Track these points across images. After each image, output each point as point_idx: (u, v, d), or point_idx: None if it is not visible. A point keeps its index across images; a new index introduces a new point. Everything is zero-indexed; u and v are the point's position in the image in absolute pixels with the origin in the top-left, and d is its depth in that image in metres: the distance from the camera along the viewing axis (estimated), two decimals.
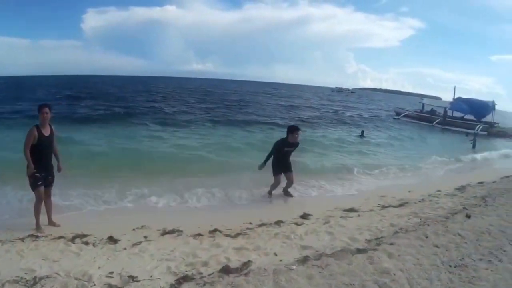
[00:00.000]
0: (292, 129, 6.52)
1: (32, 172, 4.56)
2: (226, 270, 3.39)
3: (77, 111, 20.34)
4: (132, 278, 3.32)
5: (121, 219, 5.33)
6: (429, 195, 6.81)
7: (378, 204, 6.21)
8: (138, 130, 15.03)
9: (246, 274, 3.28)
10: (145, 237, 4.54)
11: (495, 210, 5.33)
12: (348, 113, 32.20)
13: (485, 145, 16.89)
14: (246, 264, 3.55)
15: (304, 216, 5.50)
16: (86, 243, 4.34)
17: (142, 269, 3.52)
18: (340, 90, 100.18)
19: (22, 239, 4.40)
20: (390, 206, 6.06)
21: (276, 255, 3.84)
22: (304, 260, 3.58)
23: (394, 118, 29.43)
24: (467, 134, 18.52)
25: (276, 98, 47.79)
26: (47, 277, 3.37)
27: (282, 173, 6.72)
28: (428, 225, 4.64)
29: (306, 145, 11.18)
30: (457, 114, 26.20)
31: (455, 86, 30.34)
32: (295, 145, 6.62)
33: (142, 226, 4.94)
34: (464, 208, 5.51)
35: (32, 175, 4.59)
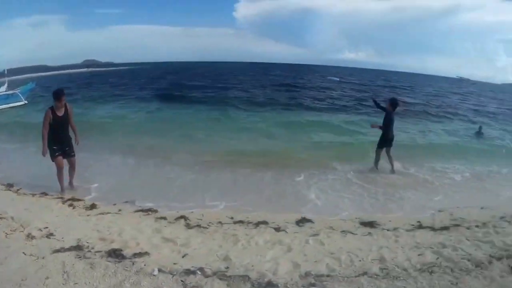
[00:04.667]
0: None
1: (45, 148, 5.37)
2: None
3: None
4: (50, 235, 3.71)
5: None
6: (502, 217, 4.83)
7: (417, 222, 4.67)
8: None
9: None
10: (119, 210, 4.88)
11: None
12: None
13: None
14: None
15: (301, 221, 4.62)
16: (70, 205, 5.00)
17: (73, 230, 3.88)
18: (460, 80, 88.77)
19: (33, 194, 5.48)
20: (429, 227, 4.47)
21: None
22: None
23: None
24: None
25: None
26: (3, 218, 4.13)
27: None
28: (432, 272, 3.09)
29: None
30: None
31: None
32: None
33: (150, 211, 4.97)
34: None
35: (49, 149, 5.40)
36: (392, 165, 7.11)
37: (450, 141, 11.76)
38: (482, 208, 5.42)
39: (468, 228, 4.37)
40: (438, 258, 3.41)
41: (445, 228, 4.38)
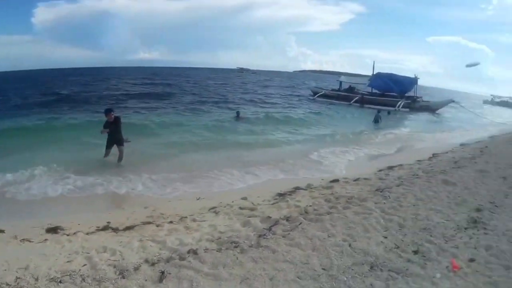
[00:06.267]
0: None
1: None
2: None
3: None
4: None
5: None
6: (213, 208, 5.31)
7: (107, 223, 4.79)
8: None
9: None
10: None
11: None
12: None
13: (399, 122, 18.36)
14: None
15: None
16: None
17: None
18: (241, 71, 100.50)
19: None
20: (114, 228, 4.59)
21: None
22: None
23: (310, 99, 28.62)
24: (379, 111, 19.11)
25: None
26: None
27: None
28: (61, 282, 3.18)
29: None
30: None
31: (374, 61, 30.03)
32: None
33: None
34: (180, 257, 3.58)
35: None
36: (120, 159, 8.50)
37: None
38: (198, 199, 5.91)
39: (158, 226, 4.57)
40: (85, 265, 3.47)
41: (130, 227, 4.54)
